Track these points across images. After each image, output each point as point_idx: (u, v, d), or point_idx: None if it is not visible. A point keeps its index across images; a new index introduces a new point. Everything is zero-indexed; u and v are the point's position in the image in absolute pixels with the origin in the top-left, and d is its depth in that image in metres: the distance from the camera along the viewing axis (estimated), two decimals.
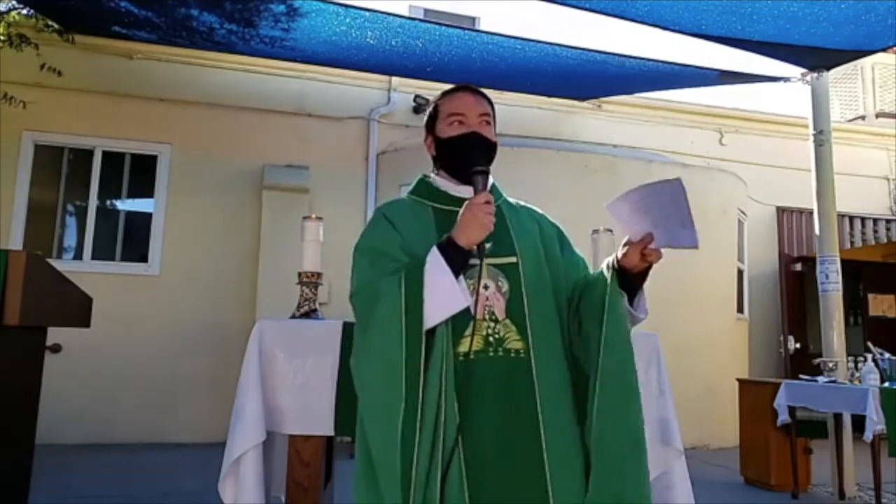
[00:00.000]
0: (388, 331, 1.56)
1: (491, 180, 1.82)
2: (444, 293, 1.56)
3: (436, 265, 1.57)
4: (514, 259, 1.71)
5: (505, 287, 1.68)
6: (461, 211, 1.64)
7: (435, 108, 1.84)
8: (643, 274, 1.69)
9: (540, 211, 1.92)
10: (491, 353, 1.63)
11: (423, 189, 1.85)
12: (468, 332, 1.62)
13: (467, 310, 1.60)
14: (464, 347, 1.62)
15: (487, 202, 1.62)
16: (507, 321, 1.66)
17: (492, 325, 1.65)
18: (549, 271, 1.76)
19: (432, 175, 1.87)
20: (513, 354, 1.64)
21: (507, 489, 1.56)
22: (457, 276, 1.58)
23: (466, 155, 1.74)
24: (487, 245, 1.65)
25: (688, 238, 1.62)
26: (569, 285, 1.78)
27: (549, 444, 1.59)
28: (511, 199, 1.90)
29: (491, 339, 1.64)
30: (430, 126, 1.85)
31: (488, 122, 1.78)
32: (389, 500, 1.50)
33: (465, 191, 1.76)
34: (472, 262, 1.65)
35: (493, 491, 1.55)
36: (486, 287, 1.67)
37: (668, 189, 1.62)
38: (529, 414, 1.61)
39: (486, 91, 1.87)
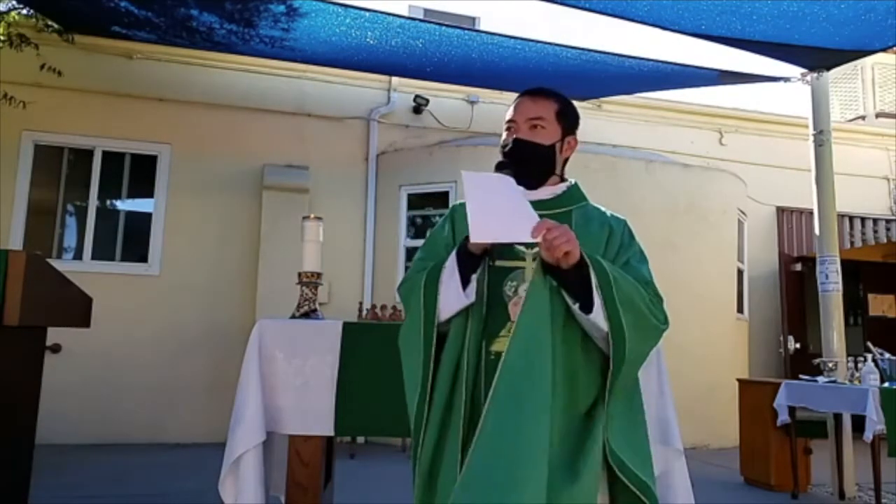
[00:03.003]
0: (414, 320, 1.74)
1: (568, 183, 1.85)
2: (451, 293, 1.69)
3: (450, 267, 1.70)
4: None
5: None
6: None
7: None
8: (572, 271, 1.58)
9: (622, 218, 1.86)
10: None
11: None
12: (504, 332, 1.67)
13: (505, 312, 1.68)
14: (497, 347, 1.66)
15: None
16: None
17: None
18: None
19: None
20: None
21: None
22: (466, 277, 1.67)
23: (513, 163, 1.75)
24: (537, 248, 1.61)
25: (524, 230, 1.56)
26: None
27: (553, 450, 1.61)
28: (596, 206, 1.87)
29: None
30: None
31: (536, 126, 1.77)
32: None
33: (525, 193, 1.77)
34: (518, 264, 1.72)
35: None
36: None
37: (499, 183, 1.64)
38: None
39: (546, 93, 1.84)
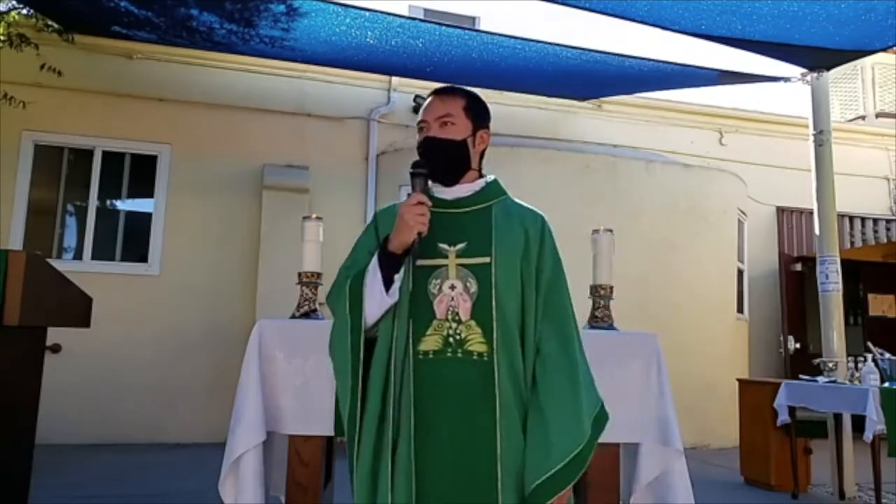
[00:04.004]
0: (342, 327, 1.73)
1: (486, 179, 1.86)
2: (375, 296, 1.70)
3: (372, 270, 1.70)
4: (486, 259, 1.72)
5: (473, 288, 1.70)
6: None
7: None
8: None
9: (539, 214, 1.87)
10: (449, 354, 1.67)
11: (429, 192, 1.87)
12: (429, 331, 1.69)
13: (430, 310, 1.69)
14: (424, 346, 1.69)
15: (419, 203, 1.67)
16: (472, 322, 1.68)
17: (454, 325, 1.68)
18: (525, 276, 1.74)
19: None
20: (475, 357, 1.67)
21: (455, 484, 1.62)
22: (388, 278, 1.67)
23: (429, 162, 1.78)
24: (460, 245, 1.72)
25: None
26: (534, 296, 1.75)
27: (504, 445, 1.64)
28: (516, 200, 1.89)
29: (451, 339, 1.68)
30: None
31: (446, 123, 1.79)
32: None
33: (445, 191, 1.82)
34: (441, 262, 1.72)
35: (439, 484, 1.62)
36: (452, 287, 1.70)
37: None
38: (486, 416, 1.65)
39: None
